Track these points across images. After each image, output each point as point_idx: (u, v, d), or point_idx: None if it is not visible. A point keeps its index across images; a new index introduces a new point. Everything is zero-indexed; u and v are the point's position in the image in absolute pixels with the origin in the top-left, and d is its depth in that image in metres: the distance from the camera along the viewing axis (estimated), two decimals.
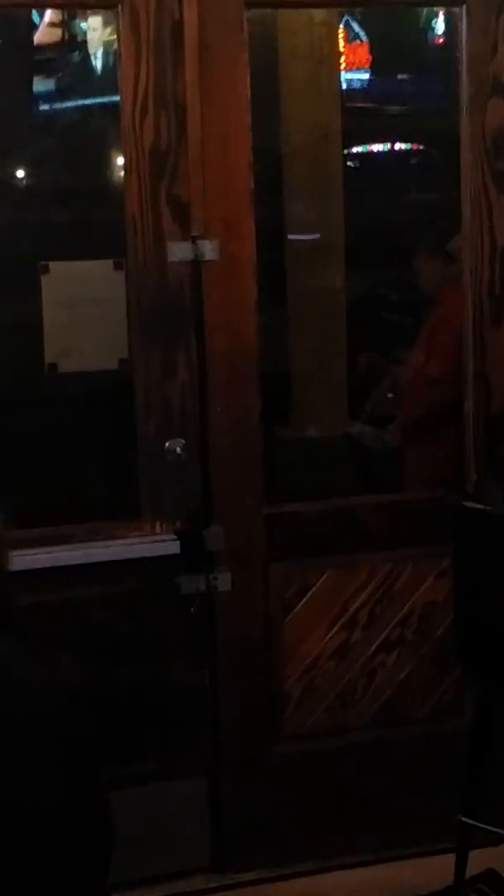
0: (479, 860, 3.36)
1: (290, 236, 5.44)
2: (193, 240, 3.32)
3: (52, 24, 5.07)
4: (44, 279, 3.34)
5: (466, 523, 3.22)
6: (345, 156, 5.43)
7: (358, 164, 5.80)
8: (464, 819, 3.23)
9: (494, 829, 3.21)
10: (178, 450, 3.37)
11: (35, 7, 5.15)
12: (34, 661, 1.72)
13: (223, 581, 3.43)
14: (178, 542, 3.35)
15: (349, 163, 5.54)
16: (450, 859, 3.27)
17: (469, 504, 3.26)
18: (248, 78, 3.34)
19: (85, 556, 3.27)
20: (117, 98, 3.35)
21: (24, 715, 1.64)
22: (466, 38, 3.55)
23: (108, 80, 3.62)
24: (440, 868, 3.34)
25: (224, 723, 3.49)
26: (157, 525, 3.39)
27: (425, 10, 8.10)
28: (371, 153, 5.74)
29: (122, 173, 3.36)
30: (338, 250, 5.51)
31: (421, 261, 4.45)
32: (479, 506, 3.23)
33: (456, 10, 3.57)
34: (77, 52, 4.09)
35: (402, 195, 5.81)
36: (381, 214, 5.60)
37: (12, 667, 1.68)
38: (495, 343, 3.64)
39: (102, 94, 3.81)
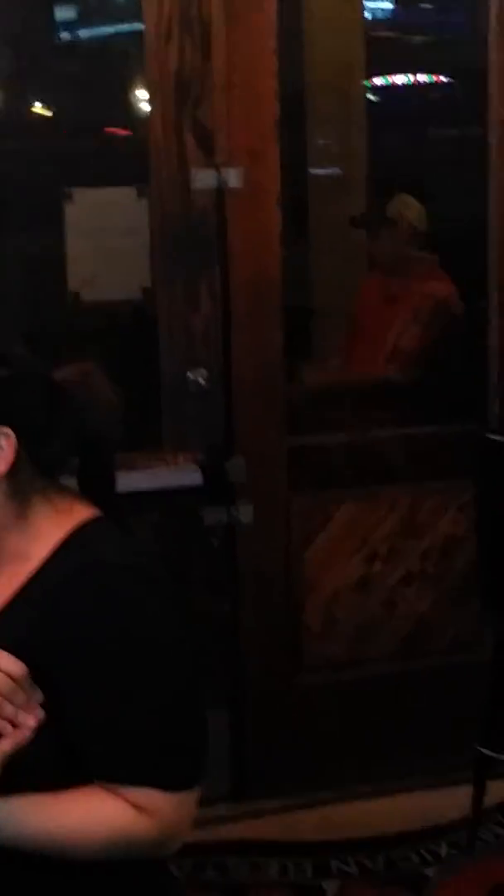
0: (496, 791, 3.38)
1: (312, 170, 5.38)
2: (217, 168, 3.28)
3: None
4: (67, 207, 3.31)
5: (490, 455, 3.20)
6: (367, 88, 5.35)
7: (379, 98, 5.72)
8: (482, 750, 3.25)
9: None
10: (201, 380, 3.36)
11: None
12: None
13: (245, 513, 3.43)
14: (200, 474, 3.34)
15: (371, 96, 5.46)
16: (468, 790, 3.29)
17: (493, 436, 3.24)
18: (275, 2, 3.29)
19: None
20: (141, 24, 3.31)
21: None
22: None
23: (131, 5, 3.55)
24: (458, 799, 3.36)
25: (245, 654, 3.51)
26: (180, 456, 3.38)
27: None
28: (394, 85, 5.66)
29: (146, 100, 3.32)
30: (360, 184, 5.45)
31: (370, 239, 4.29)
32: (502, 438, 3.21)
33: None
34: None
35: (425, 129, 5.73)
36: (404, 148, 5.53)
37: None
38: None
39: (126, 21, 3.75)
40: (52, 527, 1.63)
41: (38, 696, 1.52)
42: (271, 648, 3.53)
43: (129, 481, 3.27)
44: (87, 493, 1.69)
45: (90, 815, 1.58)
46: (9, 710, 1.50)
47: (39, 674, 1.54)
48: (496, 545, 3.21)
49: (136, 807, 1.58)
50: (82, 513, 1.66)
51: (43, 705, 1.54)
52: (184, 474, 3.35)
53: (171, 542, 3.37)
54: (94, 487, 1.70)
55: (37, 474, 1.64)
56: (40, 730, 1.53)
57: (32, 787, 1.57)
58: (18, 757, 1.52)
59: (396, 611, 3.63)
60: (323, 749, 3.56)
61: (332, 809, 3.50)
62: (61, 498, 1.66)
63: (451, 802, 3.43)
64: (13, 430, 1.60)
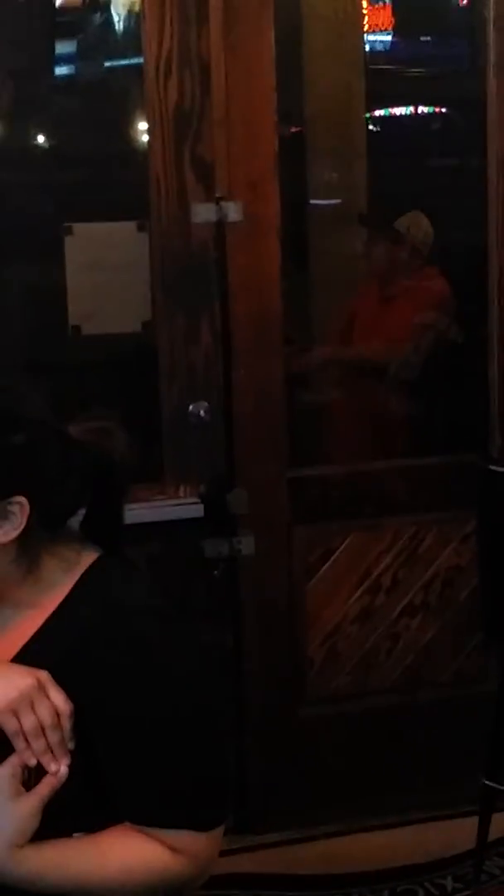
0: (502, 823, 3.36)
1: (313, 201, 5.40)
2: (217, 201, 3.29)
3: None
4: (67, 241, 3.33)
5: (491, 486, 3.20)
6: (367, 119, 5.37)
7: (380, 128, 5.73)
8: (487, 782, 3.24)
9: None
10: (202, 413, 3.36)
11: None
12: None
13: (247, 545, 3.43)
14: (201, 506, 3.34)
15: (371, 126, 5.47)
16: (473, 822, 3.28)
17: (494, 467, 3.24)
18: (273, 36, 3.31)
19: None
20: (140, 59, 3.33)
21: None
22: None
23: (130, 41, 3.57)
24: (463, 831, 3.35)
25: (248, 686, 3.50)
26: (181, 488, 3.38)
27: None
28: (393, 117, 5.68)
29: (145, 135, 3.34)
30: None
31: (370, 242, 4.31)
32: (503, 469, 3.21)
33: None
34: (99, 14, 4.06)
35: (424, 160, 5.74)
36: (403, 179, 5.54)
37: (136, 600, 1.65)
38: None
39: (125, 56, 3.77)
40: (61, 576, 1.64)
41: (71, 742, 1.54)
42: (274, 680, 3.51)
43: (131, 514, 3.29)
44: (91, 534, 1.69)
45: (130, 858, 1.59)
46: (42, 744, 1.50)
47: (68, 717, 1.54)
48: (498, 576, 3.21)
49: (172, 848, 1.58)
50: (89, 557, 1.67)
51: (74, 750, 1.55)
52: (185, 507, 3.35)
53: (173, 574, 3.36)
54: (100, 531, 1.69)
55: (45, 530, 1.63)
56: (73, 774, 1.53)
57: (64, 830, 1.58)
58: (52, 802, 1.53)
59: (399, 642, 3.62)
60: (326, 782, 3.55)
61: (335, 843, 3.48)
62: (68, 548, 1.67)
63: (456, 835, 3.42)
64: (27, 495, 1.58)
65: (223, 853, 3.32)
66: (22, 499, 1.58)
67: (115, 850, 1.59)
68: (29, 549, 1.62)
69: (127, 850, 1.59)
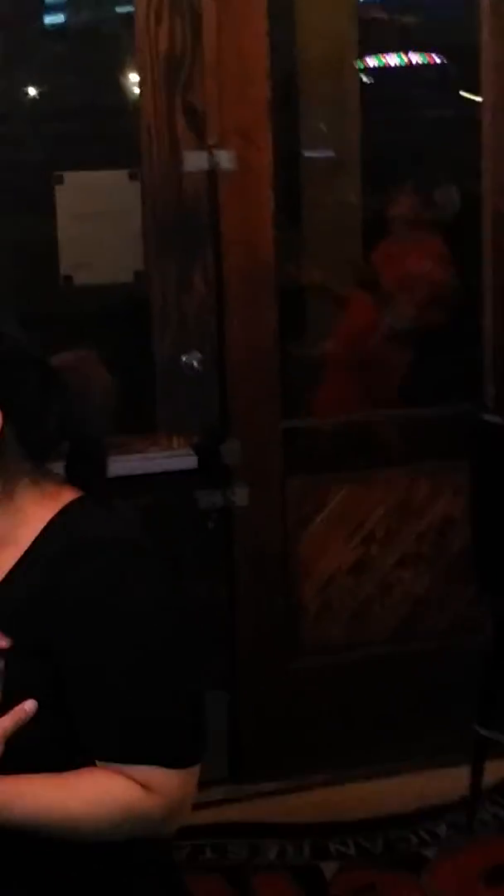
0: (494, 772, 3.39)
1: (306, 153, 5.35)
2: (209, 149, 3.27)
3: None
4: (58, 189, 3.30)
5: (485, 436, 3.20)
6: (360, 69, 5.31)
7: (373, 79, 5.68)
8: (480, 730, 3.25)
9: None
10: (195, 363, 3.35)
11: None
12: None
13: (240, 496, 3.43)
14: (195, 457, 3.34)
15: (364, 77, 5.41)
16: (466, 771, 3.30)
17: (488, 417, 3.24)
18: None
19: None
20: (131, 7, 3.29)
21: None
22: None
23: None
24: (456, 779, 3.37)
25: (242, 637, 3.51)
26: (174, 439, 3.37)
27: None
28: (387, 66, 5.62)
29: (137, 84, 3.30)
30: (353, 166, 5.43)
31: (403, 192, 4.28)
32: (498, 419, 3.20)
33: None
34: None
35: (419, 111, 5.69)
36: (396, 131, 5.49)
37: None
38: None
39: (116, 3, 3.72)
40: (39, 510, 1.63)
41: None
42: (267, 631, 3.52)
43: (124, 465, 3.30)
44: (76, 478, 1.68)
45: (101, 792, 1.57)
46: None
47: (37, 653, 1.54)
48: (492, 526, 3.21)
49: (143, 785, 1.57)
50: (69, 495, 1.65)
51: (43, 685, 1.54)
52: (178, 458, 3.34)
53: (167, 525, 3.36)
54: (84, 473, 1.69)
55: (25, 457, 1.62)
56: (42, 713, 1.53)
57: (36, 769, 1.56)
58: (21, 740, 1.52)
59: (393, 593, 3.63)
60: (320, 731, 3.57)
61: (329, 791, 3.50)
62: (49, 482, 1.65)
63: (449, 783, 3.44)
64: (1, 409, 1.58)
65: (217, 802, 3.37)
66: None
67: (87, 782, 1.57)
68: (6, 470, 1.61)
69: (99, 783, 1.57)
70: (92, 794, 1.57)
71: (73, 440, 1.68)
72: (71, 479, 1.68)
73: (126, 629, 1.56)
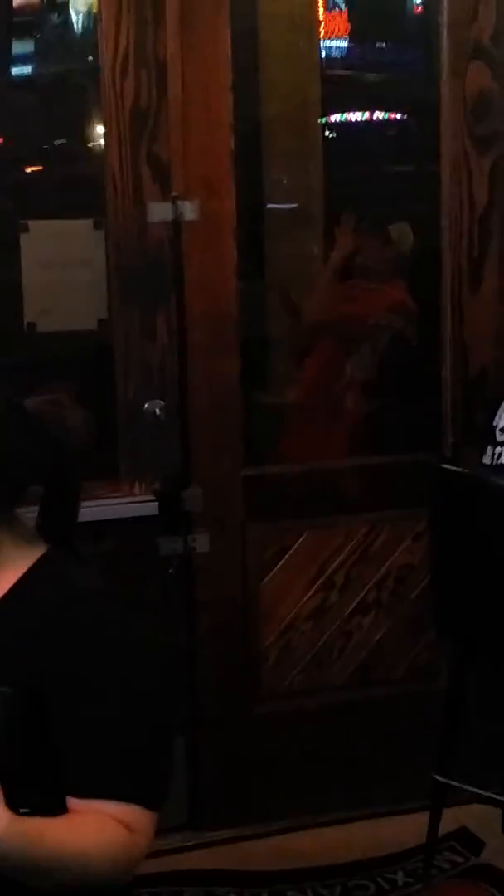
0: (451, 819, 3.40)
1: (269, 205, 5.41)
2: (174, 200, 3.31)
3: None
4: (23, 238, 3.33)
5: (444, 485, 3.24)
6: (323, 125, 5.40)
7: (335, 134, 5.76)
8: (438, 778, 3.27)
9: (468, 788, 3.25)
10: (157, 411, 3.38)
11: None
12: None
13: (201, 542, 3.45)
14: (156, 504, 3.36)
15: (327, 132, 5.50)
16: (424, 817, 3.31)
17: (446, 466, 3.28)
18: (230, 36, 3.34)
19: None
20: (97, 59, 3.34)
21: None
22: (447, 3, 3.56)
23: (88, 41, 3.58)
24: (414, 826, 3.38)
25: (202, 682, 3.51)
26: (136, 486, 3.39)
27: None
28: (349, 122, 5.72)
29: (102, 133, 3.35)
30: (316, 219, 5.50)
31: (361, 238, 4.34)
32: (456, 468, 3.25)
33: None
34: (57, 14, 4.08)
35: (380, 166, 5.78)
36: (359, 185, 5.57)
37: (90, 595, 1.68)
38: (472, 309, 3.67)
39: (83, 56, 3.78)
40: (17, 556, 1.65)
41: None
42: (228, 677, 3.53)
43: (86, 511, 3.29)
44: (48, 523, 1.71)
45: (101, 833, 1.57)
46: None
47: (25, 693, 1.55)
48: (450, 574, 3.24)
49: (126, 825, 1.58)
50: (41, 548, 1.69)
51: (30, 726, 1.56)
52: (140, 504, 3.36)
53: (127, 571, 3.37)
54: (56, 519, 1.71)
55: (3, 503, 1.65)
56: (26, 748, 1.54)
57: (13, 808, 1.55)
58: (11, 776, 1.53)
59: (352, 639, 3.65)
60: (279, 778, 3.57)
61: (288, 838, 3.50)
62: (24, 530, 1.69)
63: (407, 830, 3.45)
64: None
65: (176, 850, 3.36)
66: None
67: (85, 824, 1.58)
68: None
69: (96, 825, 1.58)
70: (96, 834, 1.57)
71: (48, 486, 1.70)
72: (43, 525, 1.70)
73: (116, 668, 1.60)
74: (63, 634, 1.59)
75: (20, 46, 4.08)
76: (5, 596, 1.64)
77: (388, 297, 4.08)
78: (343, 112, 5.67)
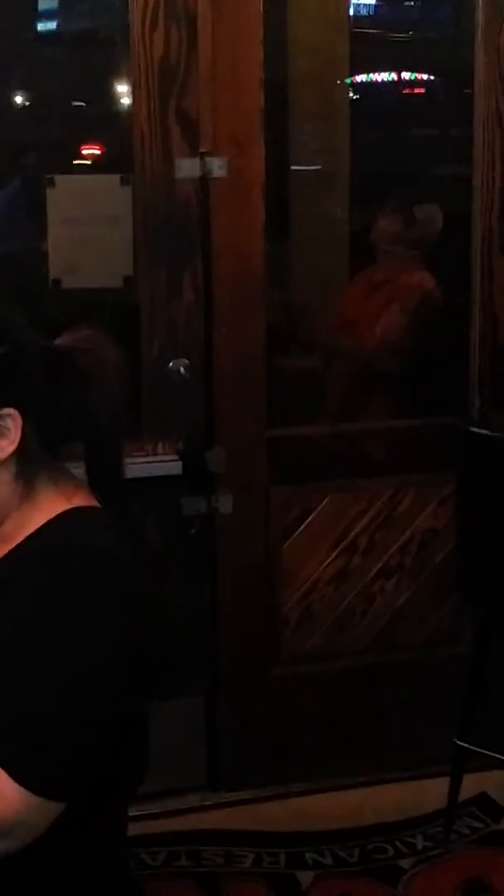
0: (472, 784, 3.39)
1: (294, 166, 5.37)
2: (202, 156, 3.27)
3: None
4: (49, 193, 3.30)
5: (471, 449, 3.21)
6: (350, 84, 5.34)
7: (362, 95, 5.70)
8: (459, 743, 3.26)
9: (489, 753, 3.24)
10: (182, 370, 3.35)
11: None
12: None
13: (224, 503, 3.43)
14: (179, 463, 3.34)
15: (352, 93, 5.44)
16: (444, 783, 3.31)
17: (475, 429, 3.25)
18: None
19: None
20: (126, 13, 3.29)
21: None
22: None
23: None
24: (434, 791, 3.38)
25: (222, 644, 3.50)
26: (159, 445, 3.37)
27: None
28: (376, 82, 5.66)
29: (130, 89, 3.31)
30: (342, 180, 5.44)
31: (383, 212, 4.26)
32: (484, 431, 3.21)
33: None
34: None
35: (407, 128, 5.73)
36: (385, 146, 5.52)
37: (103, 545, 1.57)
38: (502, 271, 3.62)
39: (112, 10, 3.74)
40: (49, 508, 1.59)
41: None
42: (248, 639, 3.52)
43: None
44: (95, 478, 1.63)
45: None
46: None
47: None
48: (475, 538, 3.22)
49: None
50: (81, 500, 1.61)
51: None
52: (163, 464, 3.34)
53: (150, 531, 3.34)
54: (102, 472, 1.64)
55: (44, 451, 1.60)
56: None
57: None
58: None
59: (374, 603, 3.63)
60: (299, 740, 3.56)
61: (307, 800, 3.50)
62: (66, 481, 1.63)
63: (427, 795, 3.45)
64: (18, 407, 1.56)
65: (194, 809, 3.36)
66: (12, 411, 1.55)
67: None
68: (27, 468, 1.59)
69: None
70: None
71: (89, 437, 1.63)
72: (91, 480, 1.64)
73: (54, 638, 1.49)
74: (18, 588, 1.52)
75: (47, 1, 4.03)
76: (10, 551, 1.60)
77: (415, 278, 4.00)
78: (370, 72, 5.62)
